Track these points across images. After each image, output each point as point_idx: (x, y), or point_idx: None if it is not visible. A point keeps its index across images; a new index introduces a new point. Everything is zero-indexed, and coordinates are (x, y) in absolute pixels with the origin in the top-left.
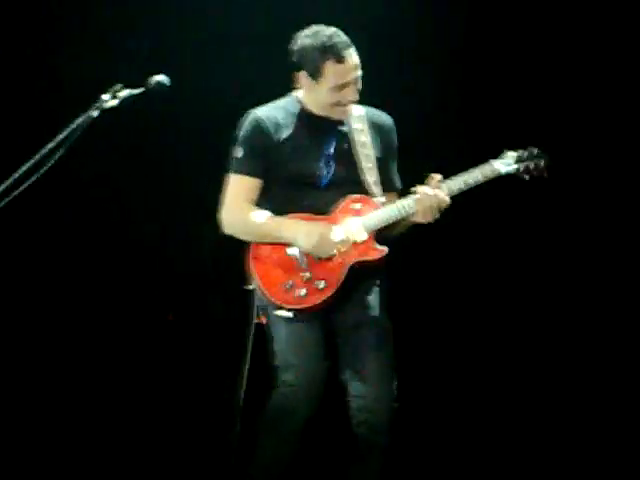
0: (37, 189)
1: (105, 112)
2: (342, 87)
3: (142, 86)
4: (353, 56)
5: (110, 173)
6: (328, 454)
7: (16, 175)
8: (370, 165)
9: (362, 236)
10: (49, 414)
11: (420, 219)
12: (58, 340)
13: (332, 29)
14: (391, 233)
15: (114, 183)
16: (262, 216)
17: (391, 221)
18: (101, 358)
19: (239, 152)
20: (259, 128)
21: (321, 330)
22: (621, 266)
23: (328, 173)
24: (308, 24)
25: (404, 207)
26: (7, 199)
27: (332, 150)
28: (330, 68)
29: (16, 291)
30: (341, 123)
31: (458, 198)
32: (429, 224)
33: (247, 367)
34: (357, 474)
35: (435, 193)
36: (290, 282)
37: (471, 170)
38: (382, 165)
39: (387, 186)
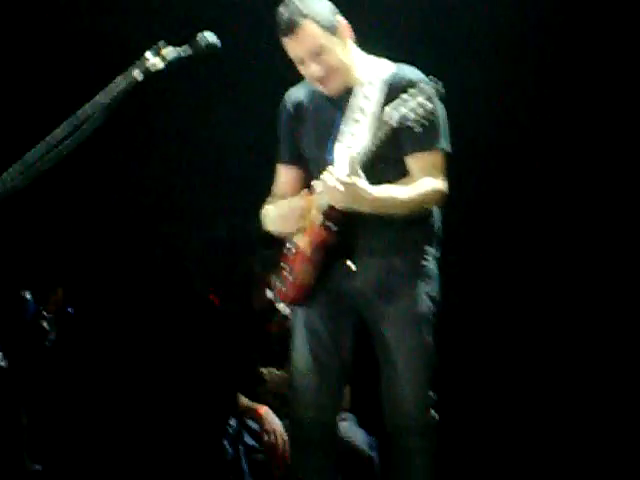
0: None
1: (150, 75)
2: (300, 62)
3: (187, 44)
4: (303, 28)
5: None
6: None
7: (50, 139)
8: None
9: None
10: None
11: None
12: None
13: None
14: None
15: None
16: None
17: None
18: None
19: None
20: (285, 112)
21: (334, 320)
22: (619, 264)
23: (332, 150)
24: None
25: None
26: (41, 162)
27: (336, 127)
28: (284, 43)
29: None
30: (345, 95)
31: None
32: None
33: None
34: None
35: (330, 176)
36: (282, 273)
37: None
38: None
39: None
